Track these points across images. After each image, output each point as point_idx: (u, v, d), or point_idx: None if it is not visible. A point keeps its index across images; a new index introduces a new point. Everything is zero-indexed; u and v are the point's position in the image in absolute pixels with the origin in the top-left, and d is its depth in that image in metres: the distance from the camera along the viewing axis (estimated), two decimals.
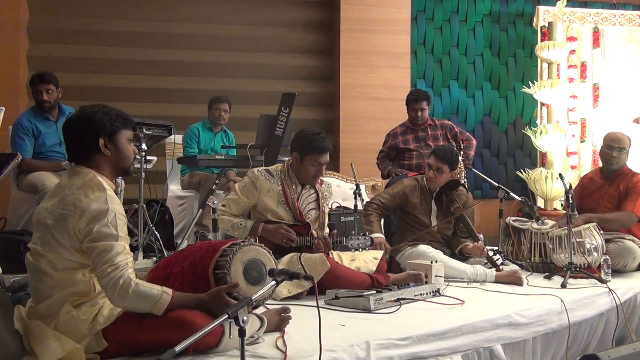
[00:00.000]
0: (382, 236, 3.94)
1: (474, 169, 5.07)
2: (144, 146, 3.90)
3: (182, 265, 2.22)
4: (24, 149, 4.25)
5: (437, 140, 5.18)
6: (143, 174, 4.00)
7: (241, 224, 3.33)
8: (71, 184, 2.06)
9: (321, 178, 3.63)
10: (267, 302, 2.50)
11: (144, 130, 3.92)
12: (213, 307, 2.04)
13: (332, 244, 3.35)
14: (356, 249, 3.38)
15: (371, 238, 3.47)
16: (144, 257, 3.94)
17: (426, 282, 3.30)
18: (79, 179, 2.07)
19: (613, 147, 4.13)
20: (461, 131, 5.35)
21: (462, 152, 4.97)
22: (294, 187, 3.42)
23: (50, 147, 4.40)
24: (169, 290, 2.01)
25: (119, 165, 2.17)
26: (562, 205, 5.74)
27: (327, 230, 3.55)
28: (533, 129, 6.55)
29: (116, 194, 2.17)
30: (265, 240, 3.23)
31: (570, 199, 3.70)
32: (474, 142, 5.33)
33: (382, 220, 4.22)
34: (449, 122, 5.41)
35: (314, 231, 3.42)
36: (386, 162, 5.36)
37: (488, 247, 4.13)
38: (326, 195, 3.61)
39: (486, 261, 3.93)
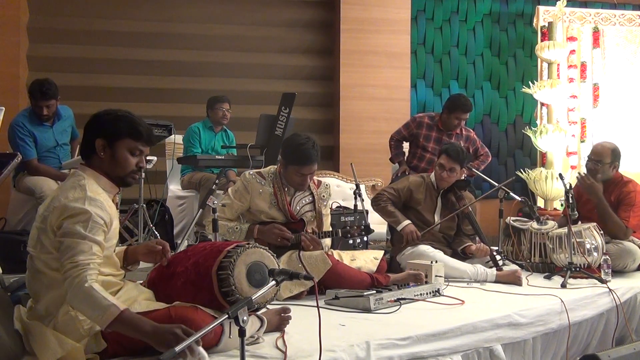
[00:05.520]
0: (411, 223, 3.90)
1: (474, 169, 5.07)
2: None
3: (186, 264, 2.22)
4: (28, 151, 4.23)
5: None
6: (143, 174, 4.00)
7: (237, 228, 3.31)
8: (61, 187, 2.07)
9: (320, 179, 3.62)
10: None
11: None
12: (155, 340, 1.89)
13: (331, 238, 3.34)
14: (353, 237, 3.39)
15: (368, 227, 3.48)
16: None
17: (426, 282, 3.30)
18: (69, 182, 2.07)
19: (591, 158, 4.18)
20: (482, 145, 5.23)
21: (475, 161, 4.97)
22: (285, 189, 3.38)
23: (46, 150, 4.39)
24: (121, 305, 1.90)
25: (113, 172, 2.13)
26: (562, 205, 5.73)
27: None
28: (533, 129, 6.55)
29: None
30: (261, 242, 3.22)
31: (570, 199, 3.71)
32: (490, 158, 5.23)
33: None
34: (474, 136, 5.21)
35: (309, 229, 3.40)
36: (400, 149, 5.17)
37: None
38: (324, 196, 3.54)
39: (489, 259, 3.91)
